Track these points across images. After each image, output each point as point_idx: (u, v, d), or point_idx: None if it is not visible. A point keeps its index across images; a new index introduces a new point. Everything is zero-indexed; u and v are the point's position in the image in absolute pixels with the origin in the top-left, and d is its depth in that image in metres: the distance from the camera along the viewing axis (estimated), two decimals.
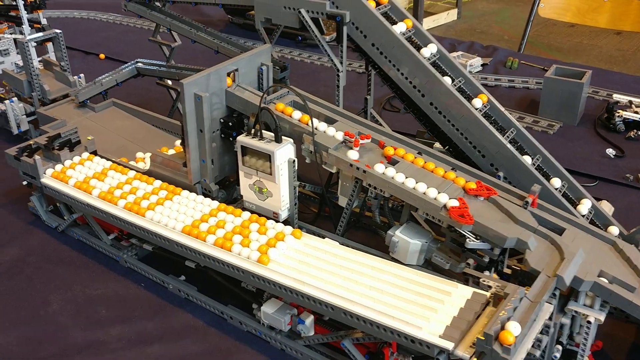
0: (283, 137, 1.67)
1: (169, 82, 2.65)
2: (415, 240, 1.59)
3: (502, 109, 1.82)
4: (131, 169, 1.98)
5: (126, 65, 2.60)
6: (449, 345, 1.26)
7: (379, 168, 1.59)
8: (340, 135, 1.68)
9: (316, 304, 1.43)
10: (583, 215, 1.69)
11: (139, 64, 2.59)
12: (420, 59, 1.75)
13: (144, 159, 2.15)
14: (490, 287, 1.42)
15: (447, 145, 1.84)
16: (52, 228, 2.10)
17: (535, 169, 1.72)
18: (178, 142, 2.20)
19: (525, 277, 1.47)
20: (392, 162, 1.63)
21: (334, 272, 1.48)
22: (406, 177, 1.56)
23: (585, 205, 1.73)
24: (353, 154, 1.63)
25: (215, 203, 1.78)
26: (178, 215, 1.72)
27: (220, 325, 1.70)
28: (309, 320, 1.57)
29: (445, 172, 1.61)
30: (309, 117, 1.71)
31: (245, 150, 1.70)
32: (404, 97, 1.86)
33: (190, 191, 1.85)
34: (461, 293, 1.39)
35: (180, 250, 1.67)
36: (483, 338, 1.21)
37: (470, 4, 6.57)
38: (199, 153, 1.81)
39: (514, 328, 1.21)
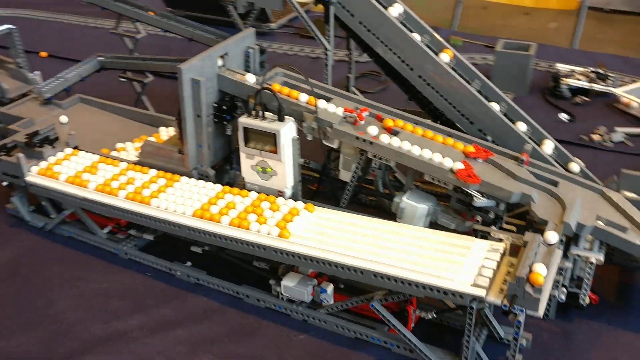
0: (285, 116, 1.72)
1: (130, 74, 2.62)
2: (422, 205, 1.68)
3: (467, 62, 1.93)
4: (122, 160, 1.96)
5: (87, 60, 2.53)
6: (481, 292, 1.36)
7: (385, 139, 1.66)
8: (340, 111, 1.74)
9: (344, 270, 1.50)
10: (549, 155, 1.83)
11: (101, 58, 2.53)
12: (409, 36, 1.83)
13: (125, 148, 2.12)
14: (500, 239, 1.54)
15: (437, 120, 1.94)
16: (37, 228, 2.04)
17: (504, 115, 1.84)
18: (162, 129, 2.19)
19: (526, 230, 1.59)
20: (393, 132, 1.71)
21: (355, 240, 1.55)
22: (411, 145, 1.65)
23: (548, 146, 1.86)
24: (357, 128, 1.70)
25: (219, 186, 1.80)
26: (185, 201, 1.73)
27: (237, 305, 1.73)
28: (330, 288, 1.63)
29: (444, 138, 1.71)
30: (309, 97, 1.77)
31: (248, 131, 1.73)
32: (392, 74, 1.94)
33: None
34: (479, 246, 1.49)
35: (193, 234, 1.68)
36: (515, 282, 1.31)
37: None
38: (195, 139, 1.83)
39: (541, 270, 1.33)
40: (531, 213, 1.54)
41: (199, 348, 1.59)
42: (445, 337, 1.60)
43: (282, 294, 1.66)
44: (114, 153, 2.09)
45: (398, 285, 1.44)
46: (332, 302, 1.64)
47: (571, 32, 4.84)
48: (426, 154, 1.63)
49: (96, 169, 1.91)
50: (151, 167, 1.92)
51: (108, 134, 2.25)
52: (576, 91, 2.82)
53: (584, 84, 2.82)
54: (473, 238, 1.53)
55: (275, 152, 1.71)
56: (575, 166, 1.83)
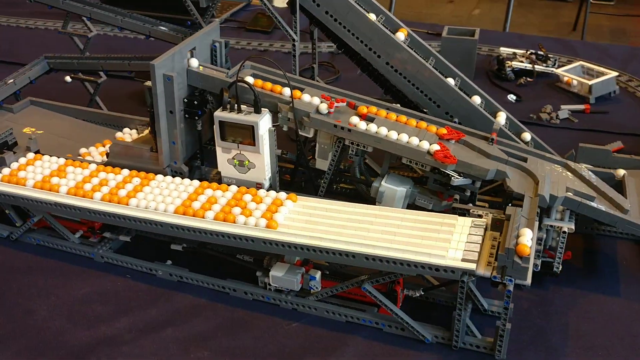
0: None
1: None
2: (401, 188, 1.73)
3: (421, 40, 1.99)
4: (90, 162, 1.92)
5: (35, 61, 2.45)
6: (472, 266, 1.42)
7: (362, 125, 1.70)
8: (316, 100, 1.77)
9: (336, 255, 1.53)
10: (502, 125, 1.91)
11: (49, 59, 2.45)
12: (374, 23, 1.88)
13: (89, 153, 2.07)
14: (480, 215, 1.61)
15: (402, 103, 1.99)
16: (1, 238, 1.96)
17: (459, 88, 1.93)
18: (126, 130, 2.15)
19: (505, 205, 1.66)
20: (368, 119, 1.75)
21: (343, 225, 1.58)
22: (388, 130, 1.69)
23: (502, 117, 1.96)
24: (334, 116, 1.73)
25: (196, 182, 1.79)
26: (164, 199, 1.71)
27: (224, 300, 1.72)
28: (318, 275, 1.66)
29: (417, 122, 1.76)
30: (280, 87, 1.79)
31: (224, 125, 1.73)
32: (366, 68, 1.98)
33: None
34: (462, 223, 1.55)
35: (177, 231, 1.66)
36: (504, 253, 1.38)
37: None
38: (168, 135, 1.81)
39: (527, 241, 1.40)
40: (507, 188, 1.62)
41: (192, 345, 1.58)
42: (432, 313, 1.66)
43: (270, 285, 1.68)
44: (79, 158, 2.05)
45: (390, 266, 1.48)
46: (320, 288, 1.66)
47: (492, 18, 5.02)
48: (403, 138, 1.68)
49: (65, 173, 1.86)
50: (121, 167, 1.88)
51: (67, 137, 2.19)
52: (519, 73, 2.95)
53: (527, 65, 2.95)
54: (456, 216, 1.59)
55: (253, 144, 1.72)
56: (527, 136, 1.94)
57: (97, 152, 2.07)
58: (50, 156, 1.95)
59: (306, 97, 1.77)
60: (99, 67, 2.37)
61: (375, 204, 1.74)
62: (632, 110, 2.71)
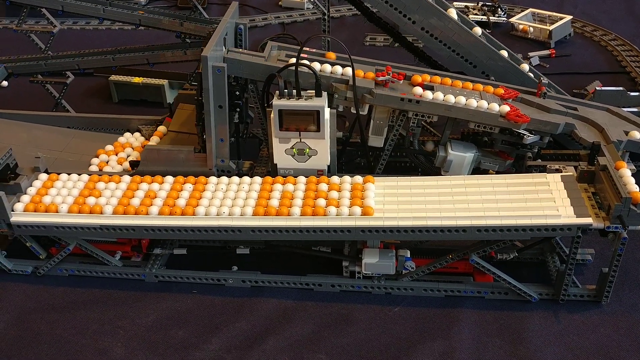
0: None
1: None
2: (469, 153, 1.71)
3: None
4: (120, 173, 1.70)
5: None
6: (589, 220, 1.44)
7: (428, 95, 1.65)
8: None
9: (444, 232, 1.48)
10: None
11: (7, 63, 2.13)
12: None
13: (106, 163, 1.84)
14: (558, 169, 1.63)
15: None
16: (24, 276, 1.70)
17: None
18: (122, 138, 1.94)
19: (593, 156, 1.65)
20: (426, 87, 1.69)
21: (437, 201, 1.54)
22: (455, 97, 1.65)
23: (526, 67, 1.97)
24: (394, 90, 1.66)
25: (258, 178, 1.65)
26: (236, 201, 1.56)
27: (310, 297, 1.62)
28: (408, 254, 1.60)
29: (473, 85, 1.74)
30: (327, 66, 1.68)
31: (283, 113, 1.60)
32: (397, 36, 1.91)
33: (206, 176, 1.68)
34: (553, 180, 1.57)
35: (258, 235, 1.52)
36: (620, 203, 1.41)
37: None
38: (216, 132, 1.65)
39: (636, 188, 1.44)
40: (579, 140, 1.65)
41: (304, 351, 1.47)
42: (522, 272, 1.67)
43: (363, 273, 1.60)
44: (92, 169, 1.81)
45: (504, 234, 1.47)
46: (415, 268, 1.61)
47: None
48: (472, 102, 1.64)
49: (98, 191, 1.63)
50: (154, 174, 1.69)
51: (57, 150, 1.93)
52: (478, 25, 3.00)
53: (482, 17, 3.01)
54: (544, 174, 1.59)
55: (316, 130, 1.61)
56: (525, 66, 1.98)
57: (114, 160, 1.84)
58: (69, 174, 1.70)
59: (359, 73, 1.68)
60: (74, 66, 2.08)
61: (432, 174, 1.72)
62: (589, 50, 2.88)
